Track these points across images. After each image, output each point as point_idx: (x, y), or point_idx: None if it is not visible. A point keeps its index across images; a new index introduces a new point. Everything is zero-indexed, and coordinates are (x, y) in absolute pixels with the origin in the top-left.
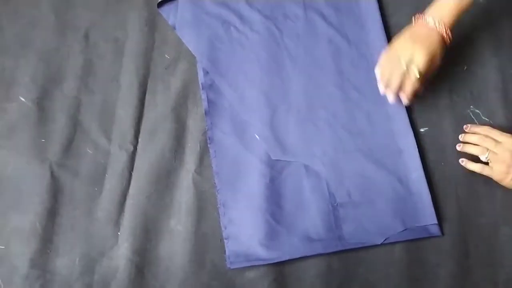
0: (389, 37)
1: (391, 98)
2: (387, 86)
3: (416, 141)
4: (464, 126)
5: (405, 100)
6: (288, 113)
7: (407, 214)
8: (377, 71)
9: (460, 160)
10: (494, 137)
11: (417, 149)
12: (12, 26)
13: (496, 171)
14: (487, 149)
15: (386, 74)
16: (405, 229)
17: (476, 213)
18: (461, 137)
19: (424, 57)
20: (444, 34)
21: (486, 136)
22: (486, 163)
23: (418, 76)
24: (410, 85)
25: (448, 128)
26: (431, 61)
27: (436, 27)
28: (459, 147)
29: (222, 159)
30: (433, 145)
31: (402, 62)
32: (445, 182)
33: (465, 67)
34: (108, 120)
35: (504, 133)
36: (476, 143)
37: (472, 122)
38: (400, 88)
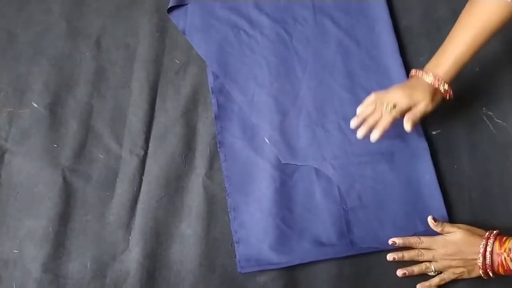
0: (399, 40)
1: (361, 133)
2: (362, 122)
3: (428, 144)
4: (391, 242)
5: (374, 135)
6: (298, 117)
7: (419, 218)
8: (359, 109)
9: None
10: (427, 247)
11: (429, 152)
12: (25, 33)
13: (450, 275)
14: (430, 262)
15: (365, 113)
16: (416, 233)
17: (490, 217)
18: (391, 257)
19: (406, 102)
20: (441, 89)
21: (419, 249)
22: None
23: (391, 108)
24: (385, 120)
25: (461, 130)
26: (415, 105)
27: (433, 84)
28: (403, 274)
29: (232, 163)
30: (445, 147)
31: (384, 105)
32: (458, 186)
33: (477, 69)
34: (119, 125)
35: (430, 237)
36: (415, 259)
37: (485, 124)
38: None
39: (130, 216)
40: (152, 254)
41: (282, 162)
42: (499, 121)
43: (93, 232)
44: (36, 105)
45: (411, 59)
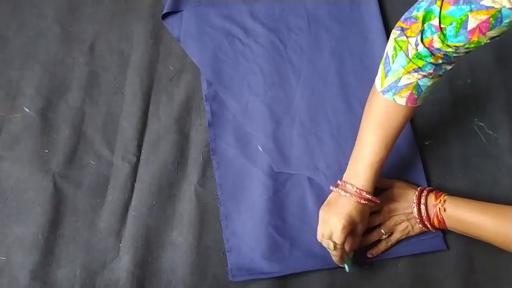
0: None
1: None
2: None
3: (421, 154)
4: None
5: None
6: (292, 126)
7: None
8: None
9: (369, 255)
10: (375, 210)
11: (421, 161)
12: (18, 38)
13: (397, 235)
14: (379, 227)
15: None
16: (409, 243)
17: None
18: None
19: (340, 230)
20: (362, 202)
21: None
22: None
23: (333, 248)
24: (332, 256)
25: (453, 141)
26: (350, 228)
27: (353, 198)
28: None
29: (225, 171)
30: (437, 157)
31: (324, 238)
32: (450, 195)
33: (469, 80)
34: (111, 131)
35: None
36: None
37: (476, 135)
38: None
39: (121, 223)
40: (142, 262)
41: (275, 170)
42: (491, 132)
43: (83, 240)
44: (27, 110)
45: None
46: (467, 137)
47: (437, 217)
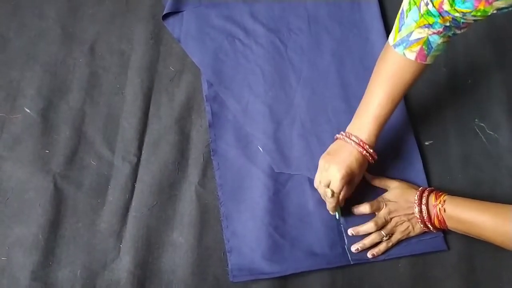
0: None
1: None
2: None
3: (421, 154)
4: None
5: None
6: (292, 126)
7: None
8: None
9: (369, 255)
10: (375, 209)
11: (421, 162)
12: (19, 38)
13: (397, 236)
14: (380, 230)
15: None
16: (409, 243)
17: None
18: (354, 249)
19: (338, 180)
20: (364, 153)
21: (374, 220)
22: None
23: (330, 196)
24: (328, 203)
25: (453, 141)
26: (348, 179)
27: (356, 148)
28: (356, 250)
29: (226, 171)
30: (438, 158)
31: (321, 185)
32: (451, 195)
33: (470, 81)
34: (112, 132)
35: (376, 201)
36: (370, 231)
37: (477, 135)
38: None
39: (122, 224)
40: (143, 263)
41: (276, 171)
42: (491, 132)
43: (84, 240)
44: (28, 111)
45: None
46: (468, 137)
47: (438, 217)
